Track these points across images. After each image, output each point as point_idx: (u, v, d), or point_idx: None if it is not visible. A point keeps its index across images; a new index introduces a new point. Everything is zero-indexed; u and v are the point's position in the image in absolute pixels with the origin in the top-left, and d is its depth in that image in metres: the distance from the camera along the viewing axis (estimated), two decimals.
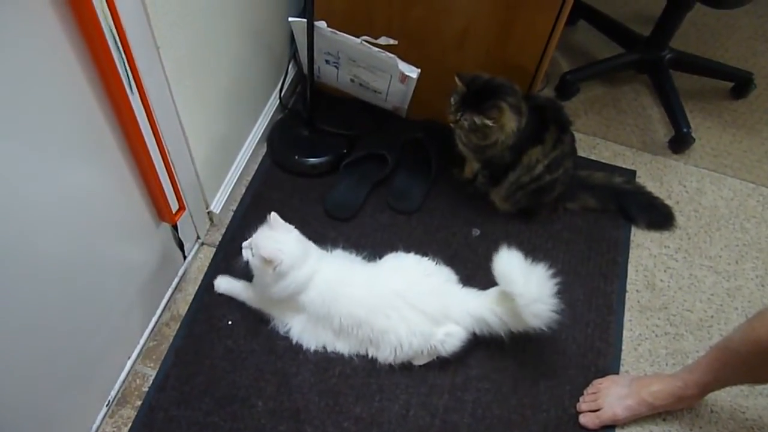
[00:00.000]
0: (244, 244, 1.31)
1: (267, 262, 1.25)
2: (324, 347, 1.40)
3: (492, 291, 1.34)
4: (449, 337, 1.33)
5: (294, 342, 1.40)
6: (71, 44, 0.93)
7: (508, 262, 1.27)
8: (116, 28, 0.96)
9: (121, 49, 0.99)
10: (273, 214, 1.31)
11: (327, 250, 1.42)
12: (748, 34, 2.26)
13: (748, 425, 1.38)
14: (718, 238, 1.69)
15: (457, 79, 1.43)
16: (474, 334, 1.36)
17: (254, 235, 1.31)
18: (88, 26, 0.92)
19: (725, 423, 1.38)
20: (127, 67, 1.03)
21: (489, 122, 1.39)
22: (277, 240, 1.28)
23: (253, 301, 1.44)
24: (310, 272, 1.31)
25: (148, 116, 1.13)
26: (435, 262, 1.42)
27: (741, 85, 2.03)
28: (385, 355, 1.36)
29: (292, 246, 1.29)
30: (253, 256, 1.29)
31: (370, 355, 1.39)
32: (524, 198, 1.59)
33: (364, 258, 1.46)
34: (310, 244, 1.36)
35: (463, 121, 1.43)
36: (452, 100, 1.46)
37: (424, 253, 1.44)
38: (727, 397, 1.41)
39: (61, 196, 1.01)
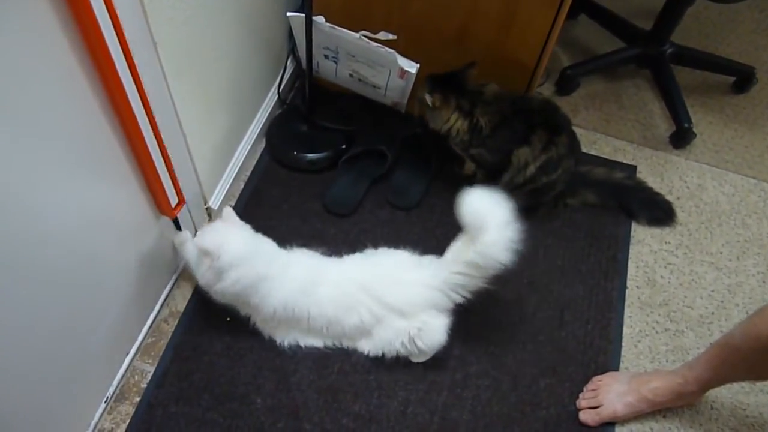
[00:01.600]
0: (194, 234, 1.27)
1: (205, 253, 1.21)
2: (296, 342, 1.38)
3: (449, 253, 1.31)
4: (424, 329, 1.29)
5: (266, 337, 1.39)
6: (68, 40, 0.92)
7: (479, 201, 1.23)
8: (113, 22, 0.96)
9: (118, 44, 0.99)
10: (227, 208, 1.30)
11: (287, 250, 1.36)
12: (750, 29, 2.25)
13: (749, 422, 1.38)
14: (719, 234, 1.69)
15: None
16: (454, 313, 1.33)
17: (204, 226, 1.27)
18: (85, 22, 0.91)
19: (726, 420, 1.38)
20: (125, 63, 1.02)
21: (427, 101, 1.48)
22: (222, 234, 1.24)
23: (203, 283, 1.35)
24: (257, 276, 1.25)
25: (146, 112, 1.13)
26: (411, 254, 1.37)
27: (743, 79, 2.02)
28: (364, 349, 1.35)
29: (236, 243, 1.23)
30: (195, 247, 1.26)
31: (348, 347, 1.38)
32: (522, 197, 1.58)
33: (329, 255, 1.41)
34: (267, 247, 1.31)
35: (419, 94, 1.51)
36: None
37: (422, 249, 1.43)
38: (727, 394, 1.40)
39: (58, 191, 1.00)
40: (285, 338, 1.38)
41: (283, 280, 1.29)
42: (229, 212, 1.28)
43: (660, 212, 1.69)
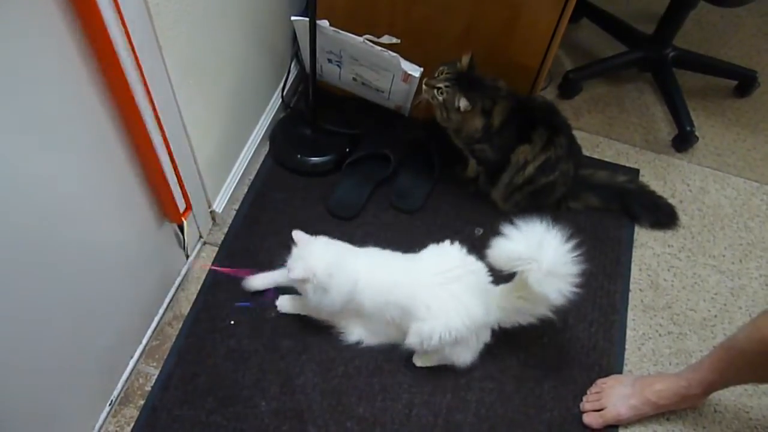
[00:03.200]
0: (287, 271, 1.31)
1: (303, 281, 1.24)
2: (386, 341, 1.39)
3: (510, 284, 1.31)
4: (482, 334, 1.33)
5: (360, 345, 1.40)
6: (76, 47, 0.93)
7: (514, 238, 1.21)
8: (123, 28, 0.96)
9: (128, 48, 0.99)
10: (295, 232, 1.31)
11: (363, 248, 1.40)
12: (752, 32, 2.25)
13: (752, 425, 1.38)
14: (721, 237, 1.69)
15: (466, 57, 1.46)
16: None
17: (287, 261, 1.30)
18: (93, 28, 0.92)
19: (729, 423, 1.38)
20: (135, 67, 1.02)
21: (461, 106, 1.42)
22: (303, 257, 1.27)
23: (315, 314, 1.41)
24: (353, 272, 1.29)
25: (155, 117, 1.13)
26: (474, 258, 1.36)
27: (745, 83, 2.03)
28: (414, 342, 1.30)
29: (318, 257, 1.27)
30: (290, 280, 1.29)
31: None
32: (523, 199, 1.59)
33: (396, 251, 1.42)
34: (342, 246, 1.35)
35: (443, 91, 1.45)
36: (445, 68, 1.47)
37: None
38: (731, 396, 1.40)
39: (64, 197, 1.01)
40: (377, 341, 1.39)
41: (371, 274, 1.31)
42: (297, 235, 1.31)
43: (662, 215, 1.69)
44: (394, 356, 1.41)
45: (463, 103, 1.42)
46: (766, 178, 1.83)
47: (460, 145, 1.59)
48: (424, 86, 1.49)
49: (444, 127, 1.56)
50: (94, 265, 1.15)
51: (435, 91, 1.46)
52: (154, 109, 1.12)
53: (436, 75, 1.48)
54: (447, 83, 1.44)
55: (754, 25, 2.28)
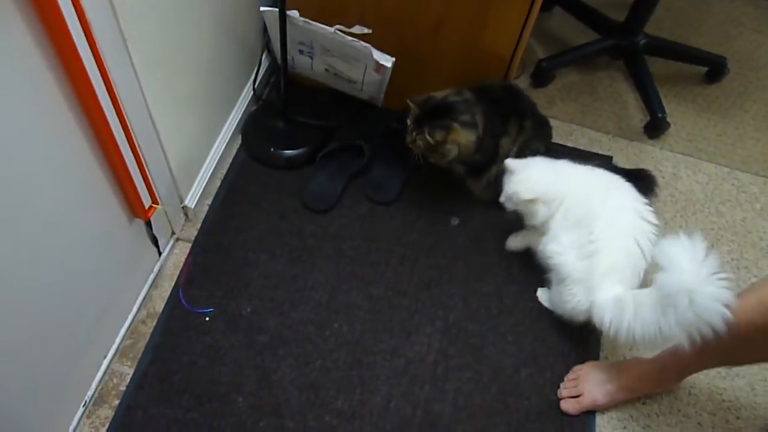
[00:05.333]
0: (501, 199, 1.41)
1: (532, 201, 1.33)
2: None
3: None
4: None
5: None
6: (33, 37, 0.90)
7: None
8: (80, 20, 0.94)
9: (86, 41, 0.97)
10: (507, 160, 1.38)
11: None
12: (721, 19, 2.28)
13: (725, 406, 1.40)
14: (693, 222, 1.71)
15: (409, 102, 1.44)
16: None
17: (504, 188, 1.39)
18: (50, 20, 0.90)
19: (703, 404, 1.40)
20: (93, 60, 1.00)
21: (437, 140, 1.40)
22: (526, 179, 1.35)
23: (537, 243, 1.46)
24: (566, 182, 1.37)
25: (116, 111, 1.11)
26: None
27: (715, 69, 2.05)
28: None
29: (542, 176, 1.36)
30: (516, 204, 1.37)
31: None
32: (500, 186, 1.59)
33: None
34: (550, 161, 1.41)
35: (418, 141, 1.43)
36: (408, 122, 1.46)
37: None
38: (705, 379, 1.42)
39: (26, 195, 0.98)
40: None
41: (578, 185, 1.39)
42: (512, 163, 1.38)
43: (640, 183, 1.66)
44: (373, 349, 1.40)
45: (439, 135, 1.39)
46: (737, 163, 1.85)
47: (459, 170, 1.58)
48: (410, 145, 1.47)
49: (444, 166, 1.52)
50: (62, 264, 1.12)
51: (415, 144, 1.45)
52: (116, 104, 1.10)
53: (407, 132, 1.46)
54: (414, 132, 1.43)
55: (723, 11, 2.30)
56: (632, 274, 1.32)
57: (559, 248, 1.37)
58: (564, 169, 1.41)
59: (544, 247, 1.41)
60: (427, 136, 1.40)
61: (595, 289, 1.31)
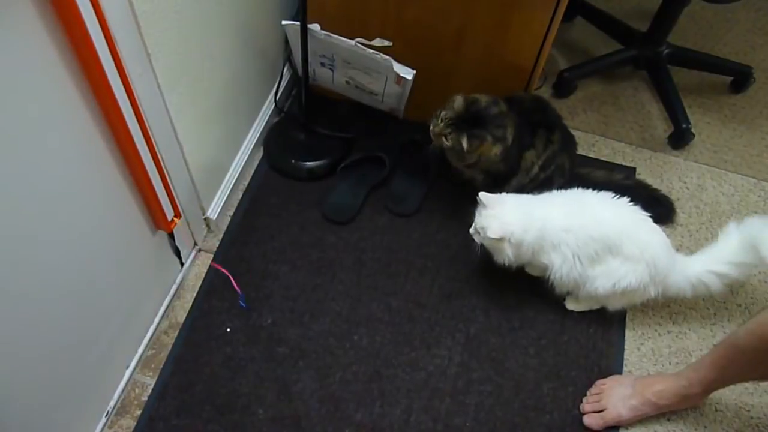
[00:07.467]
0: (471, 231, 1.38)
1: (499, 240, 1.30)
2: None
3: (709, 252, 1.39)
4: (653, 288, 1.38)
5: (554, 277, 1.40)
6: (59, 54, 0.92)
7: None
8: (105, 36, 0.95)
9: (110, 57, 0.98)
10: (481, 193, 1.35)
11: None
12: (746, 28, 2.25)
13: (753, 423, 1.37)
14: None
15: (458, 97, 1.42)
16: None
17: (475, 220, 1.37)
18: (75, 35, 0.91)
19: (730, 421, 1.37)
20: (118, 76, 1.01)
21: (467, 147, 1.40)
22: (497, 216, 1.32)
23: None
24: (541, 224, 1.33)
25: (140, 125, 1.12)
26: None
27: (740, 79, 2.02)
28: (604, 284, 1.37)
29: (513, 214, 1.33)
30: (482, 239, 1.34)
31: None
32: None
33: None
34: (527, 199, 1.39)
35: (449, 139, 1.43)
36: (443, 113, 1.44)
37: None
38: (731, 395, 1.39)
39: (52, 207, 1.00)
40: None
41: (559, 216, 1.36)
42: (485, 196, 1.35)
43: (662, 209, 1.66)
44: (393, 362, 1.40)
45: (465, 143, 1.39)
46: (763, 174, 1.82)
47: (474, 175, 1.57)
48: (432, 135, 1.47)
49: (461, 168, 1.53)
50: (86, 276, 1.14)
51: (443, 138, 1.44)
52: (140, 118, 1.11)
53: (437, 120, 1.44)
54: (449, 129, 1.42)
55: (749, 20, 2.27)
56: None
57: (613, 277, 1.36)
58: (540, 212, 1.35)
59: (595, 287, 1.38)
60: (463, 141, 1.39)
61: (668, 276, 1.37)
